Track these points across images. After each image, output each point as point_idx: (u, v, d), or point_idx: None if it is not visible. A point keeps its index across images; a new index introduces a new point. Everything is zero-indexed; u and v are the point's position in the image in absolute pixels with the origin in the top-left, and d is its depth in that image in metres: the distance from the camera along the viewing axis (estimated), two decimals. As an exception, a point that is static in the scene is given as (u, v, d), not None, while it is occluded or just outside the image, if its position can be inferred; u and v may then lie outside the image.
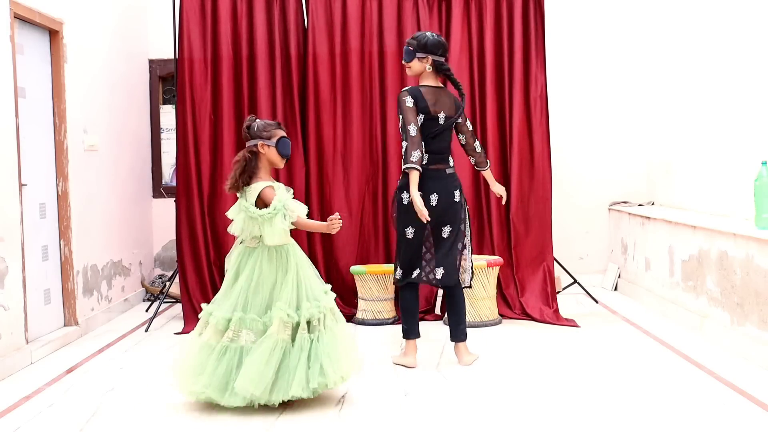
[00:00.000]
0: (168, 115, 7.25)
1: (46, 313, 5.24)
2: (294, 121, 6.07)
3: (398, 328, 5.54)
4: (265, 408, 3.85)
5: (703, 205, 5.98)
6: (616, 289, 7.03)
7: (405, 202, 4.51)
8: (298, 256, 4.01)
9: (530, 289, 6.03)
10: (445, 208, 4.55)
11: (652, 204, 7.08)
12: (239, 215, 3.99)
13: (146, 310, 6.43)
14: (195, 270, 5.97)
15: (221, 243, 6.01)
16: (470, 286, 4.77)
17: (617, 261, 7.09)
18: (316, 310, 3.90)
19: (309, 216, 4.15)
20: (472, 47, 6.12)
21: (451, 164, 4.66)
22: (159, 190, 7.28)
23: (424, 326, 5.00)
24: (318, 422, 3.72)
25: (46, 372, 4.64)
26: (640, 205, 7.10)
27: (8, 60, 4.69)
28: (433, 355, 4.85)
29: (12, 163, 4.70)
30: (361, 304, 5.84)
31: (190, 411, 3.89)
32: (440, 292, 6.22)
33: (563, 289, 6.78)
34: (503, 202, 5.14)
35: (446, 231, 4.59)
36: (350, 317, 5.86)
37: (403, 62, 4.68)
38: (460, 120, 4.74)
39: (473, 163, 4.95)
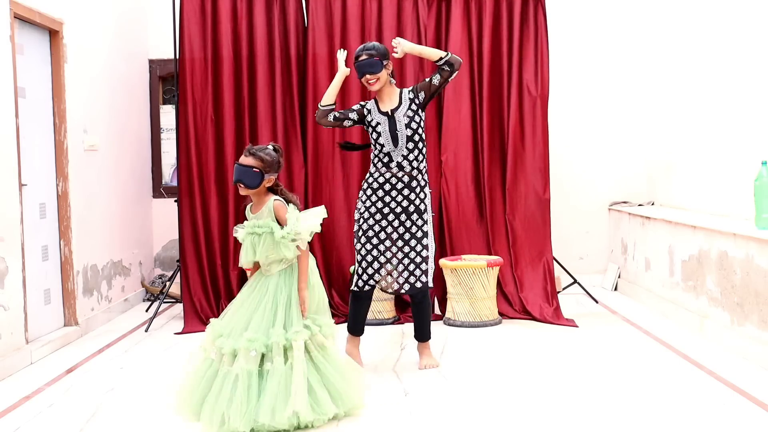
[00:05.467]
0: (168, 115, 7.25)
1: (46, 313, 5.24)
2: (294, 122, 6.07)
3: (398, 328, 5.55)
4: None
5: (703, 205, 5.98)
6: (616, 289, 7.03)
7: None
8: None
9: (530, 289, 6.02)
10: None
11: (652, 204, 7.07)
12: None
13: (146, 310, 6.43)
14: (197, 270, 5.97)
15: (222, 243, 6.01)
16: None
17: (617, 261, 7.09)
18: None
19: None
20: (472, 47, 6.12)
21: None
22: (159, 190, 7.28)
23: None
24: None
25: (46, 372, 4.64)
26: (640, 205, 7.10)
27: (8, 60, 4.69)
28: (433, 355, 4.84)
29: (12, 163, 4.70)
30: (361, 304, 5.83)
31: (190, 411, 3.89)
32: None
33: (563, 289, 6.78)
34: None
35: None
36: (350, 317, 5.88)
37: (372, 74, 4.39)
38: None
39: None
